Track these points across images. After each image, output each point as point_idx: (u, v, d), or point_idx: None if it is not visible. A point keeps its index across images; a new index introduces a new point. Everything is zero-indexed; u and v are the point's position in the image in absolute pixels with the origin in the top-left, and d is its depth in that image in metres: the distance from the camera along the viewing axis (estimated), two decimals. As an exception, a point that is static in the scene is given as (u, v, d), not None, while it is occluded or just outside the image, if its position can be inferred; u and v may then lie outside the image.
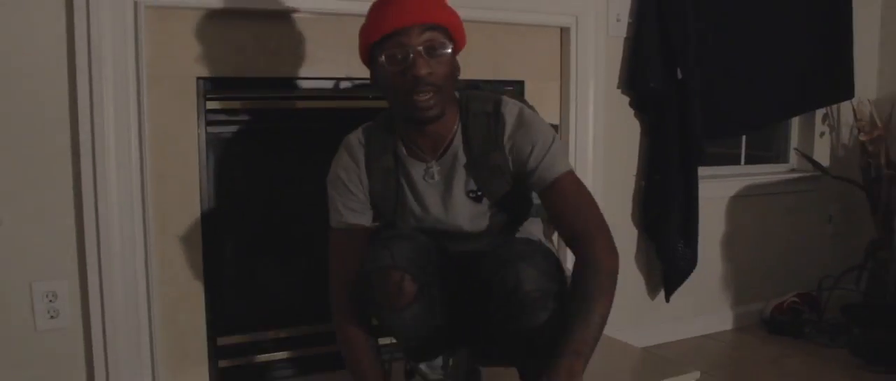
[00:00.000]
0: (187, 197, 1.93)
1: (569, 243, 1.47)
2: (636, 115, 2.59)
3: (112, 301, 1.82)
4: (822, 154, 3.12)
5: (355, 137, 1.60)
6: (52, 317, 1.82)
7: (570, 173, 1.50)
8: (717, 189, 2.84)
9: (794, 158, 3.17)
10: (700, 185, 2.63)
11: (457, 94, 1.55)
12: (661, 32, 2.45)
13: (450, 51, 1.42)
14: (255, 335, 2.07)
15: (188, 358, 1.96)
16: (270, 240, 2.11)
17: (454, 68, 1.46)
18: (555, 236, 1.76)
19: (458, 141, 1.53)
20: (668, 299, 2.68)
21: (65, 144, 1.78)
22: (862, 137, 2.96)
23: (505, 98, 1.56)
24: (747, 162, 3.10)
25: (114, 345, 1.83)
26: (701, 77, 2.53)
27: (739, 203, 2.91)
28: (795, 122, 3.16)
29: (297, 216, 2.08)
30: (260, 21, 1.94)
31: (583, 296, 1.36)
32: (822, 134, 3.13)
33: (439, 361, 1.62)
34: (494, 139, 1.51)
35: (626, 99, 2.56)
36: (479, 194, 1.54)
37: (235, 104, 1.98)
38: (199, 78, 1.91)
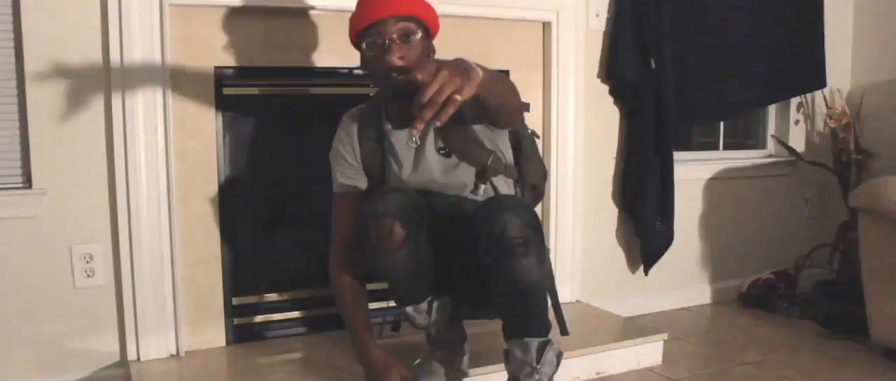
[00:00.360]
0: (206, 173, 2.18)
1: None
2: (615, 102, 2.81)
3: (140, 263, 2.08)
4: (797, 141, 3.32)
5: (349, 115, 1.89)
6: (88, 276, 2.08)
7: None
8: (695, 172, 3.06)
9: (770, 144, 3.38)
10: (679, 167, 2.85)
11: None
12: (636, 26, 2.67)
13: (420, 36, 1.69)
14: (267, 296, 2.33)
15: (207, 315, 2.22)
16: (280, 212, 2.36)
17: (426, 51, 1.72)
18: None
19: None
20: (646, 273, 2.90)
21: (100, 126, 2.04)
22: (832, 124, 3.16)
23: None
24: (726, 149, 3.31)
25: (142, 302, 2.09)
26: (678, 67, 2.76)
27: (717, 185, 3.12)
28: (772, 110, 3.37)
29: (305, 190, 2.33)
30: (272, 17, 2.19)
31: None
32: (797, 122, 3.33)
33: (425, 305, 1.86)
34: None
35: (606, 88, 2.79)
36: (446, 149, 1.79)
37: (250, 91, 2.24)
38: (216, 67, 2.16)
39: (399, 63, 1.65)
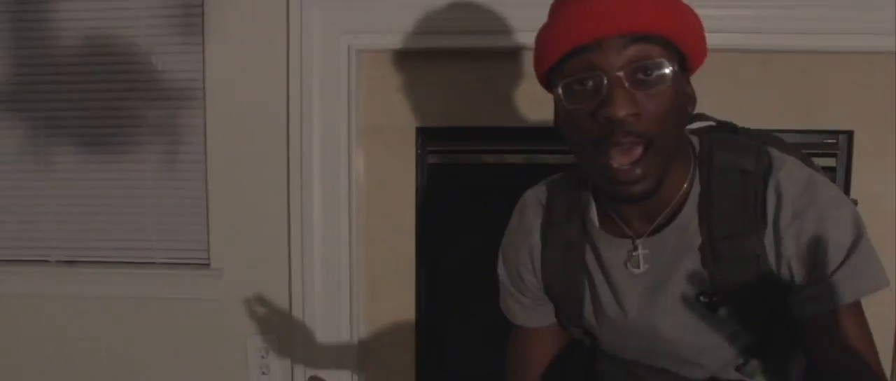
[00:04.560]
0: (402, 264, 1.72)
1: None
2: None
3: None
4: None
5: (534, 195, 1.12)
6: (263, 373, 1.77)
7: (857, 305, 0.88)
8: None
9: None
10: None
11: (694, 139, 0.99)
12: None
13: (669, 72, 0.86)
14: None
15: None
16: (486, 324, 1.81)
17: (681, 101, 0.90)
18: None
19: (691, 211, 0.96)
20: None
21: (282, 206, 1.71)
22: None
23: (775, 151, 0.96)
24: None
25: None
26: None
27: None
28: None
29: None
30: (490, 61, 1.64)
31: None
32: None
33: None
34: (752, 215, 0.93)
35: None
36: (715, 299, 0.95)
37: (458, 157, 1.72)
38: (419, 128, 1.69)
39: (628, 120, 0.85)
